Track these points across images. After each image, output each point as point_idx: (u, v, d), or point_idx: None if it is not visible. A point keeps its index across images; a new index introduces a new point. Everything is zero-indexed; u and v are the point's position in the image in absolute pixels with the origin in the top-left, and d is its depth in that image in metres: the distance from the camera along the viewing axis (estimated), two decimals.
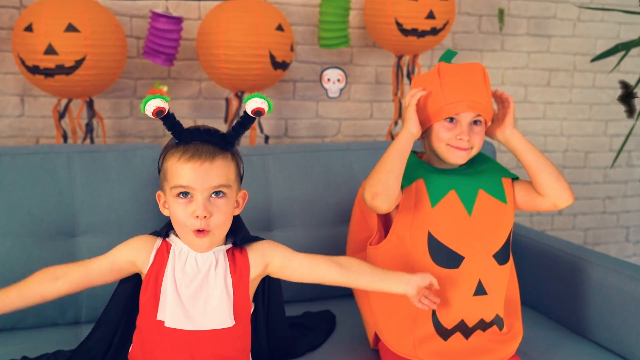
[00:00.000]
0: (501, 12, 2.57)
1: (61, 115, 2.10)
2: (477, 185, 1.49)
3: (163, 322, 1.23)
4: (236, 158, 1.26)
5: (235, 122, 1.27)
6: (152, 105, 1.17)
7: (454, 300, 1.44)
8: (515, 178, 1.55)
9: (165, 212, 1.27)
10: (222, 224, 1.23)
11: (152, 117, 1.18)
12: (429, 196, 1.47)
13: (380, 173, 1.42)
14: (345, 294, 1.97)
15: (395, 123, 2.45)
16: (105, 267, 1.28)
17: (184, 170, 1.19)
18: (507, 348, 1.50)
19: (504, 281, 1.49)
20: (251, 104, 1.21)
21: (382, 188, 1.41)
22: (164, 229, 1.31)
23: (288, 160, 1.97)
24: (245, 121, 1.23)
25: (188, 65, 2.32)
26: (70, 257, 1.69)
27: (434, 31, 2.25)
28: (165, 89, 2.12)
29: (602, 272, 1.70)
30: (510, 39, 2.70)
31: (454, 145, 1.46)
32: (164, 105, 1.18)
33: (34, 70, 1.93)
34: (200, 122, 2.37)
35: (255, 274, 1.31)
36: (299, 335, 1.58)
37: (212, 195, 1.21)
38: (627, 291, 1.63)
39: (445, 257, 1.44)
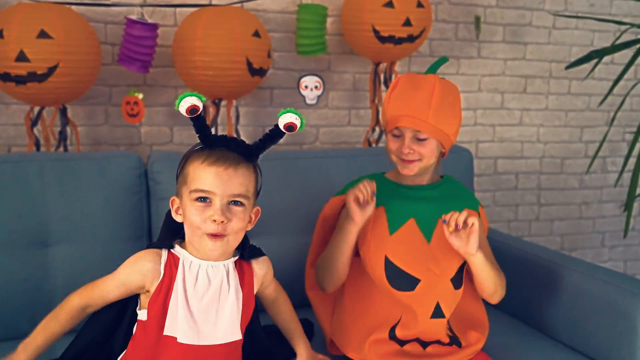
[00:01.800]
0: (477, 20, 2.59)
1: (33, 123, 2.07)
2: (437, 214, 1.51)
3: (171, 336, 1.21)
4: (257, 172, 1.26)
5: (263, 135, 1.26)
6: (187, 102, 1.16)
7: (410, 323, 1.48)
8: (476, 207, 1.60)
9: (178, 218, 1.25)
10: (238, 230, 1.21)
11: (185, 114, 1.17)
12: (388, 224, 1.51)
13: (327, 269, 1.54)
14: None
15: (373, 129, 2.46)
16: (118, 292, 1.26)
17: (206, 174, 1.17)
18: (467, 352, 1.53)
19: (457, 304, 1.53)
20: (285, 119, 1.20)
21: (329, 283, 1.55)
22: (167, 240, 1.27)
23: (265, 169, 1.94)
24: (275, 135, 1.22)
25: (164, 72, 2.30)
26: (43, 267, 1.66)
27: (411, 38, 2.27)
28: (140, 96, 2.10)
29: (578, 278, 1.72)
30: (487, 46, 2.73)
31: (402, 158, 1.50)
32: (199, 103, 1.17)
33: (5, 77, 1.90)
34: (176, 130, 2.35)
35: (257, 288, 1.33)
36: (277, 343, 1.57)
37: (231, 203, 1.19)
38: (602, 296, 1.65)
39: (401, 280, 1.48)
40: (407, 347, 1.49)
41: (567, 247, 3.01)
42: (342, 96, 2.56)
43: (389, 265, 1.48)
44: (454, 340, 1.51)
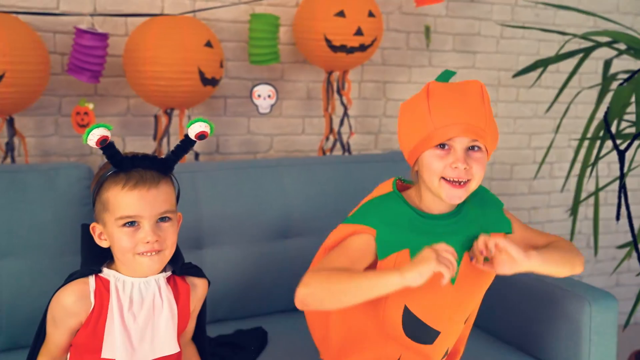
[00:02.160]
0: (427, 29, 2.65)
1: None
2: (463, 246, 1.30)
3: (109, 359, 1.21)
4: (174, 181, 1.27)
5: (175, 146, 1.27)
6: (95, 135, 1.13)
7: None
8: (508, 231, 1.38)
9: (104, 244, 1.24)
10: (171, 245, 1.23)
11: (95, 146, 1.14)
12: None
13: (331, 295, 1.17)
14: (278, 310, 1.98)
15: (327, 138, 2.48)
16: (69, 336, 1.24)
17: (130, 199, 1.17)
18: None
19: (462, 334, 1.45)
20: (195, 129, 1.21)
21: (317, 305, 1.20)
22: (94, 265, 1.26)
23: (218, 178, 1.97)
24: (187, 145, 1.24)
25: (115, 82, 2.28)
26: None
27: (363, 47, 2.30)
28: (90, 106, 2.08)
29: (526, 280, 1.77)
30: (438, 55, 2.79)
31: (449, 180, 1.25)
32: (108, 133, 1.15)
33: None
34: (129, 140, 2.33)
35: (193, 306, 1.33)
36: (230, 354, 1.57)
37: (159, 221, 1.21)
38: (549, 298, 1.70)
39: (420, 333, 1.33)
40: None
41: None
42: (295, 105, 2.58)
43: (407, 316, 1.31)
44: None
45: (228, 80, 2.44)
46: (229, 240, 1.94)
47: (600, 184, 3.06)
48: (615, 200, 2.96)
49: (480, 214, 1.36)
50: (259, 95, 2.31)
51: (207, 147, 2.45)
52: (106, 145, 1.15)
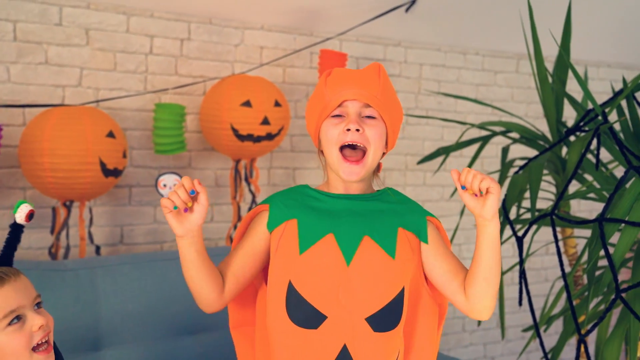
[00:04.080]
0: None
1: None
2: (363, 230, 1.26)
3: None
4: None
5: (6, 240, 1.25)
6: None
7: None
8: (423, 239, 1.32)
9: None
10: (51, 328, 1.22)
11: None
12: (299, 240, 1.26)
13: (190, 288, 1.29)
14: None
15: (235, 226, 2.46)
16: None
17: (7, 294, 1.15)
18: None
19: (382, 352, 1.26)
20: (23, 210, 1.22)
21: (197, 300, 1.29)
22: None
23: (119, 273, 1.91)
24: (19, 232, 1.24)
25: (10, 173, 2.21)
26: None
27: (270, 136, 2.34)
28: None
29: None
30: None
31: (346, 157, 1.26)
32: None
33: None
34: (25, 233, 2.23)
35: None
36: None
37: (36, 306, 1.20)
38: None
39: (304, 313, 1.24)
40: None
41: None
42: None
43: (292, 294, 1.24)
44: None
45: (133, 169, 2.41)
46: (131, 339, 1.86)
47: (507, 264, 3.18)
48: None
49: (398, 210, 1.32)
50: (165, 185, 2.28)
51: (110, 238, 2.37)
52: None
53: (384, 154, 1.33)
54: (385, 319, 1.25)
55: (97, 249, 2.22)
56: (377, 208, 1.31)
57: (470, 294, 1.27)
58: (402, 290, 1.27)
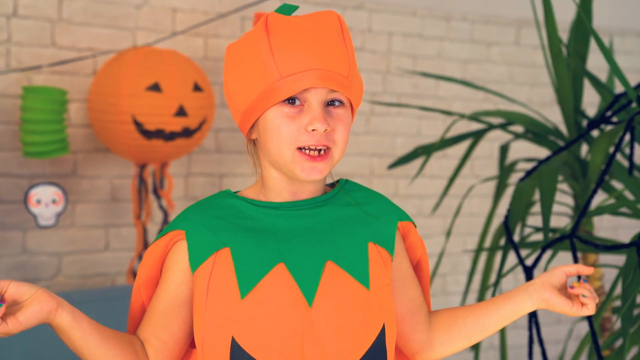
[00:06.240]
0: None
1: None
2: (323, 253, 1.23)
3: None
4: None
5: None
6: None
7: None
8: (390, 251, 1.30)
9: None
10: None
11: None
12: (238, 278, 1.20)
13: None
14: None
15: (140, 256, 2.39)
16: None
17: None
18: None
19: None
20: None
21: None
22: None
23: None
24: None
25: None
26: None
27: (188, 132, 2.29)
28: None
29: None
30: None
31: (306, 151, 1.21)
32: None
33: None
34: None
35: None
36: None
37: None
38: None
39: None
40: None
41: None
42: (95, 210, 2.51)
43: (237, 354, 1.19)
44: None
45: None
46: None
47: None
48: (524, 323, 3.05)
49: (364, 215, 1.29)
50: (39, 201, 2.21)
51: None
52: None
53: None
54: None
55: None
56: (338, 216, 1.28)
57: (441, 341, 1.34)
58: (383, 329, 1.25)
